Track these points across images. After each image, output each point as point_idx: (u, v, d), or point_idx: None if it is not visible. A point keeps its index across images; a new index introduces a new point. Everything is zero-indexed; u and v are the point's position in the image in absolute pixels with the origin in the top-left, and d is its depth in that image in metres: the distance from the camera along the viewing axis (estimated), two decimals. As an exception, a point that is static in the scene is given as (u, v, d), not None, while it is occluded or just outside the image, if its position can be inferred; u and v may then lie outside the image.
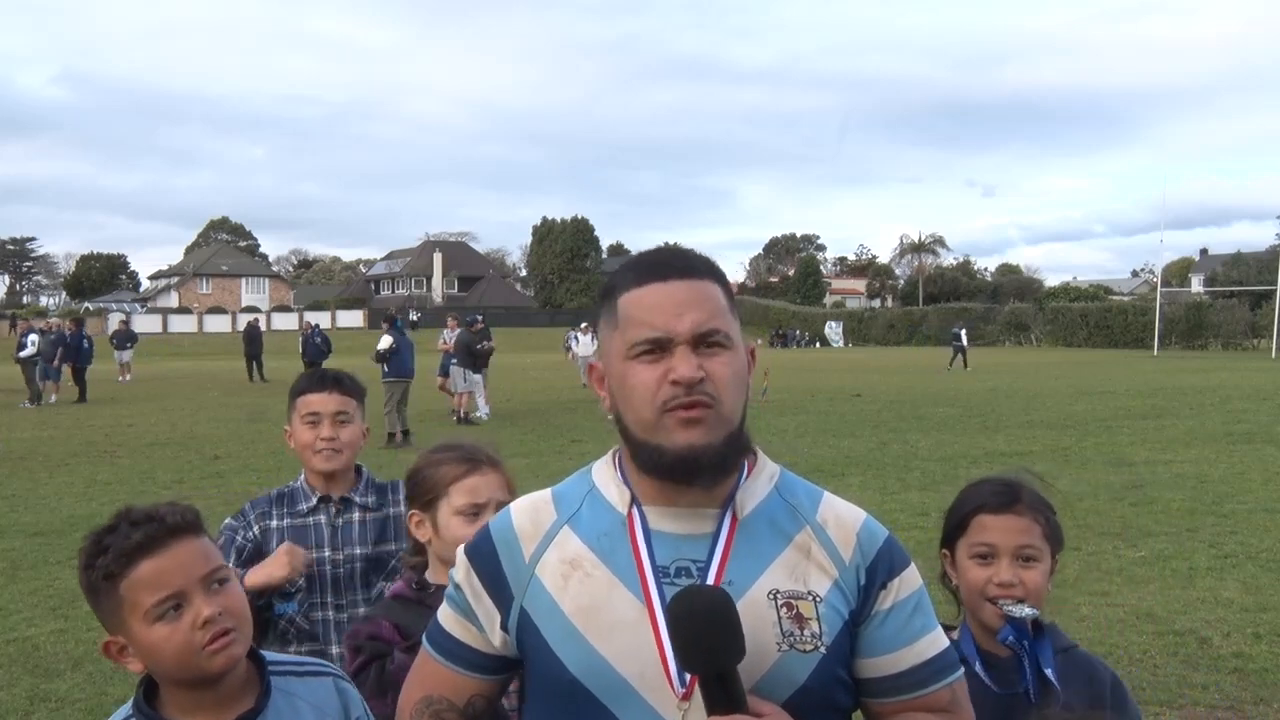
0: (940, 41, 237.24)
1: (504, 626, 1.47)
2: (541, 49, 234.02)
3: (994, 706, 1.80)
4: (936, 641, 1.47)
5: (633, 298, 1.41)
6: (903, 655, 1.44)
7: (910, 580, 1.48)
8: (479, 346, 17.94)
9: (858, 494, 10.05)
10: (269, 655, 1.68)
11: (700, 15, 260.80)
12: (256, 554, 2.66)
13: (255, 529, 2.70)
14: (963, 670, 1.50)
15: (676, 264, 1.42)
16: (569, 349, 37.82)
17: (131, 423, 18.27)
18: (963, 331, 36.56)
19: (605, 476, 1.51)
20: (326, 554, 2.66)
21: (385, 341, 15.75)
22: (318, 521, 2.70)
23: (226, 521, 2.75)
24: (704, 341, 1.38)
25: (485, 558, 1.50)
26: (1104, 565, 6.96)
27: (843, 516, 1.49)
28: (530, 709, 1.49)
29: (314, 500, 2.72)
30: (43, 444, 15.21)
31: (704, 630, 1.26)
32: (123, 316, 34.12)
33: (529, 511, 1.52)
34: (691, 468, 1.37)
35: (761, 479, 1.49)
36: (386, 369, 15.66)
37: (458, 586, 1.53)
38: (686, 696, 1.34)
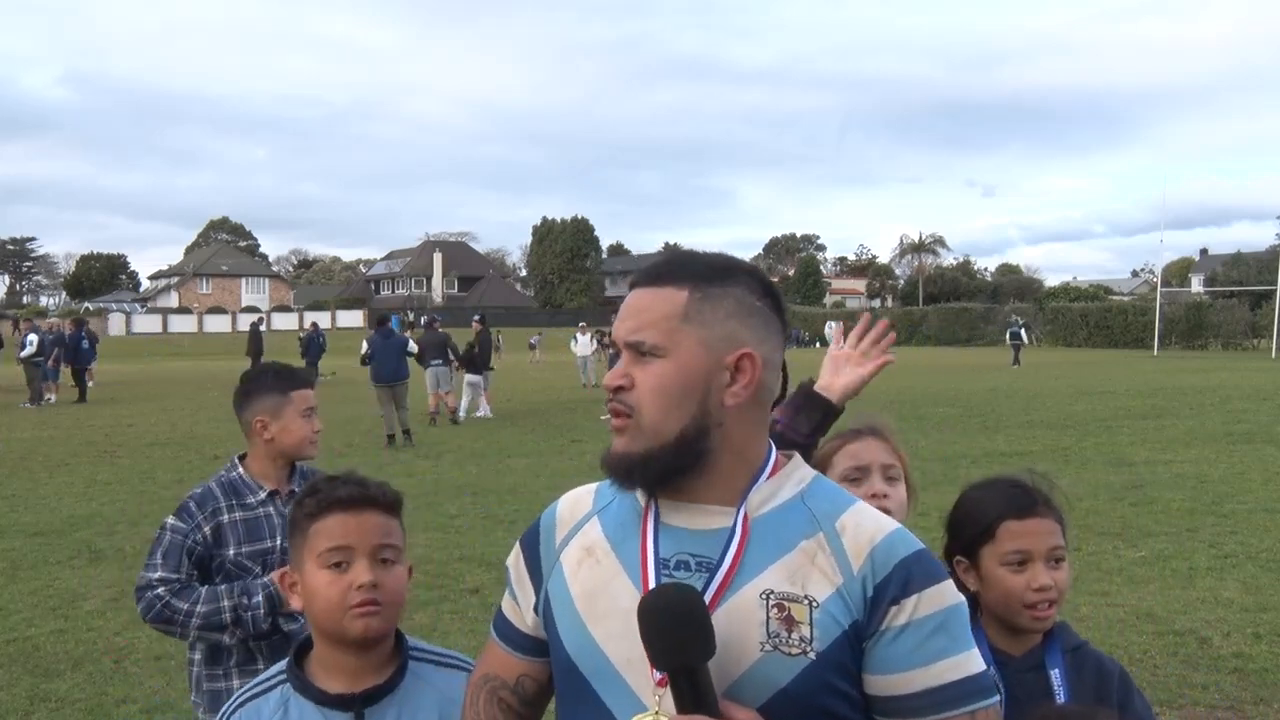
0: (940, 41, 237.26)
1: (535, 608, 1.55)
2: (542, 49, 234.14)
3: (1013, 704, 1.81)
4: (961, 666, 1.38)
5: None
6: (915, 676, 1.36)
7: (934, 599, 1.38)
8: (475, 351, 17.93)
9: (858, 494, 10.05)
10: (413, 641, 1.82)
11: (701, 16, 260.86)
12: (208, 554, 2.70)
13: (206, 529, 2.72)
14: (996, 699, 1.41)
15: (647, 271, 1.48)
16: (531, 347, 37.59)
17: (131, 423, 18.28)
18: (1023, 330, 36.70)
19: None
20: (278, 544, 2.74)
21: (362, 347, 16.03)
22: (268, 513, 2.79)
23: (171, 522, 2.72)
24: (634, 350, 1.42)
25: (530, 543, 1.59)
26: (1104, 565, 6.95)
27: (863, 526, 1.43)
28: (555, 688, 1.56)
29: (263, 494, 2.81)
30: (43, 444, 15.21)
31: (668, 627, 1.28)
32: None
33: (572, 502, 1.59)
34: (607, 472, 1.45)
35: (788, 483, 1.47)
36: (370, 374, 15.70)
37: (509, 569, 1.61)
38: (663, 683, 1.35)
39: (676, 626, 1.27)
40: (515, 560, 1.60)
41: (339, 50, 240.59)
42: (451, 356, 17.49)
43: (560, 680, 1.49)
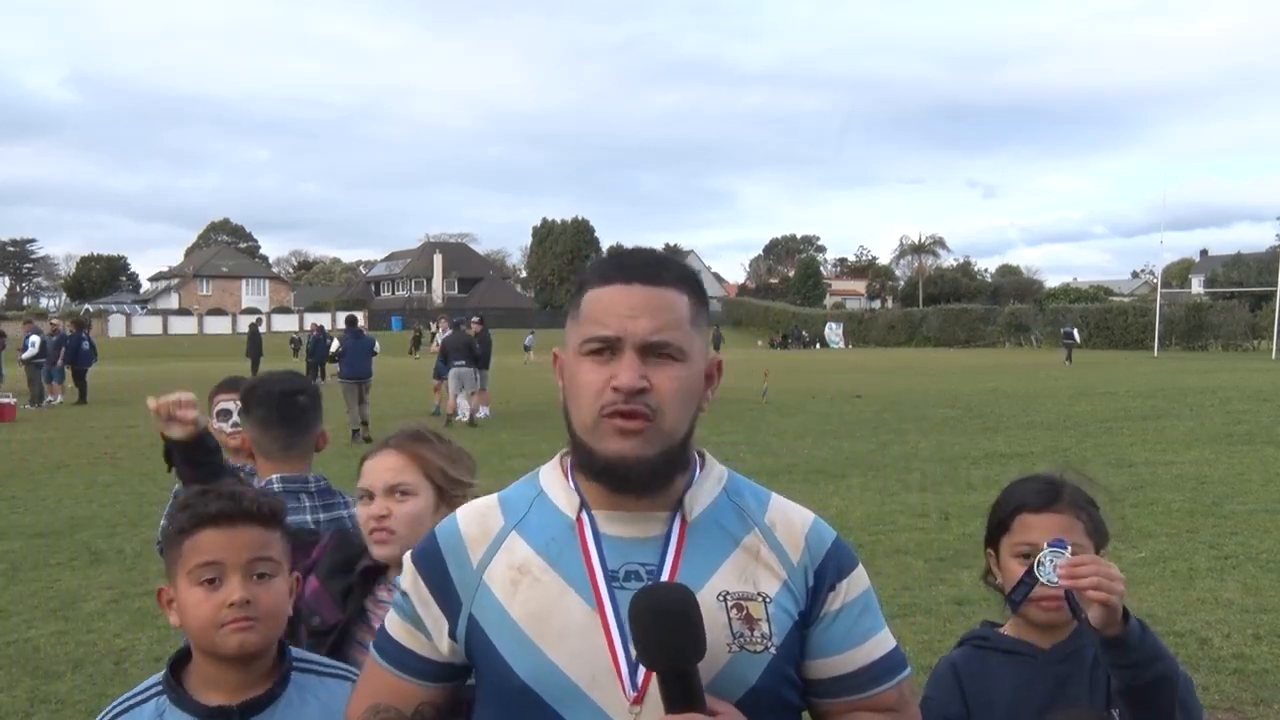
0: (940, 42, 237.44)
1: (452, 634, 1.46)
2: (545, 51, 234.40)
3: (1042, 696, 1.85)
4: (884, 642, 1.48)
5: (595, 295, 1.40)
6: (851, 656, 1.45)
7: (858, 581, 1.48)
8: (476, 347, 18.00)
9: (858, 495, 10.06)
10: (298, 652, 1.78)
11: (702, 17, 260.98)
12: None
13: None
14: (910, 670, 1.52)
15: (644, 268, 1.41)
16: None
17: (132, 424, 18.25)
18: (1074, 330, 38.79)
19: (553, 480, 1.50)
20: None
21: (334, 344, 16.88)
22: None
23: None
24: (654, 351, 1.36)
25: (432, 564, 1.48)
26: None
27: (791, 519, 1.49)
28: (481, 715, 1.48)
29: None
30: (43, 445, 15.21)
31: (668, 627, 1.26)
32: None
33: (476, 517, 1.50)
34: (619, 477, 1.37)
35: (710, 481, 1.49)
36: (339, 370, 16.95)
37: (405, 594, 1.51)
38: (638, 700, 1.34)
39: (677, 626, 1.27)
40: (413, 583, 1.50)
41: (341, 52, 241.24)
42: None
43: (505, 706, 1.41)
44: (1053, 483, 1.95)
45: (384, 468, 2.11)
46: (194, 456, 2.40)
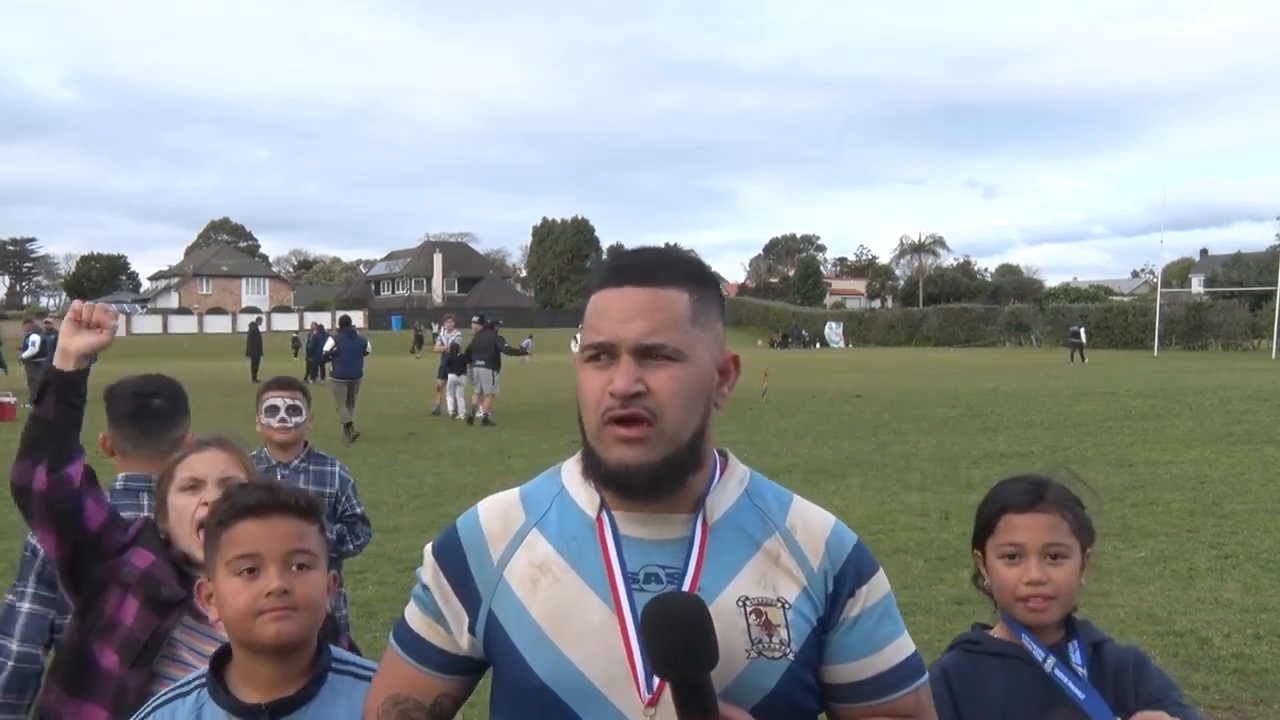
0: (940, 42, 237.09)
1: (471, 629, 1.46)
2: (545, 52, 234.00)
3: (1033, 699, 1.84)
4: (903, 648, 1.47)
5: (594, 300, 1.41)
6: (870, 662, 1.44)
7: (878, 586, 1.47)
8: (504, 348, 18.09)
9: (858, 494, 10.07)
10: (337, 652, 1.76)
11: (702, 17, 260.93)
12: None
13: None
14: (927, 676, 1.51)
15: (638, 269, 1.40)
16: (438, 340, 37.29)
17: (132, 423, 18.28)
18: (1081, 330, 39.01)
19: (575, 478, 1.48)
20: None
21: (328, 344, 17.15)
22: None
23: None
24: (650, 354, 1.35)
25: (453, 558, 1.48)
26: (1104, 566, 6.91)
27: (811, 523, 1.48)
28: (498, 711, 1.48)
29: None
30: (43, 445, 15.21)
31: (679, 636, 1.26)
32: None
33: (497, 512, 1.50)
34: (623, 484, 1.36)
35: (732, 483, 1.48)
36: (332, 369, 17.60)
37: (426, 587, 1.51)
38: (653, 703, 1.34)
39: (688, 636, 1.26)
40: (434, 577, 1.50)
41: (341, 52, 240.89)
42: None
43: (522, 704, 1.41)
44: (1038, 483, 1.94)
45: (214, 459, 2.19)
46: (69, 396, 2.35)
